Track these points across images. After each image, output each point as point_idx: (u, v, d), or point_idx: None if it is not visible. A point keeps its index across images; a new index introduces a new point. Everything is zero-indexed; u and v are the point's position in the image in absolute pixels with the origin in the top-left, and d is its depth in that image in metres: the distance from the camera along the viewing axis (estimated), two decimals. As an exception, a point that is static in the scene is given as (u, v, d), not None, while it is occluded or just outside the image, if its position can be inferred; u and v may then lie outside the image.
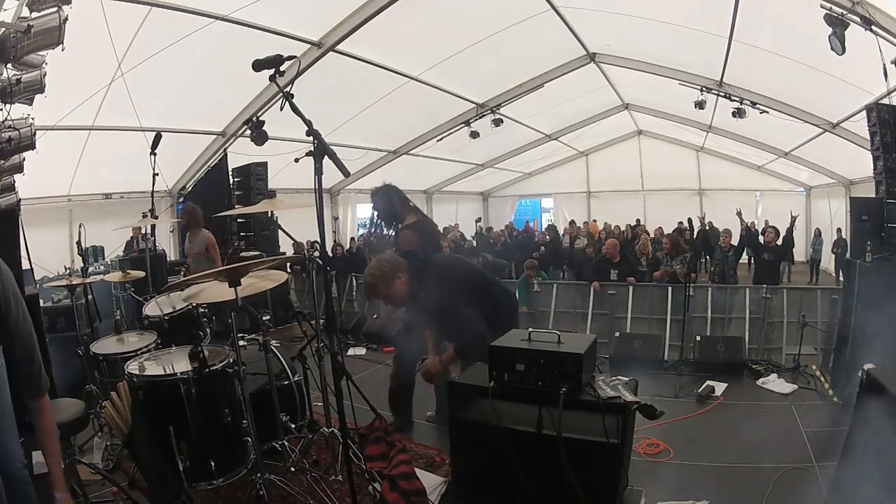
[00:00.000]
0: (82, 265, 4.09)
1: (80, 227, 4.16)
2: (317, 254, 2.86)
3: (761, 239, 6.80)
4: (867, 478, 2.00)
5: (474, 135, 9.80)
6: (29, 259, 3.75)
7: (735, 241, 7.22)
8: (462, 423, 2.42)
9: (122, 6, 4.63)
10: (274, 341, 2.89)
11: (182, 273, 5.96)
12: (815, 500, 2.77)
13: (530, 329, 2.44)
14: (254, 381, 3.00)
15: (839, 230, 10.51)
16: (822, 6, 4.74)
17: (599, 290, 6.42)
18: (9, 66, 3.70)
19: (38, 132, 4.15)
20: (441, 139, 10.37)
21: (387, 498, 2.55)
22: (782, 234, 6.60)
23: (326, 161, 1.99)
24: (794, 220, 6.66)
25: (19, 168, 4.30)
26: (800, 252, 10.76)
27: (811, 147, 9.66)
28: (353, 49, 6.51)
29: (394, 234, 3.83)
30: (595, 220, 14.50)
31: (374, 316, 3.90)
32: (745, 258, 9.02)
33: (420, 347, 3.30)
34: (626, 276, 6.56)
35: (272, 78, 2.02)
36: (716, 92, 8.11)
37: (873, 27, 4.61)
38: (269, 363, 2.79)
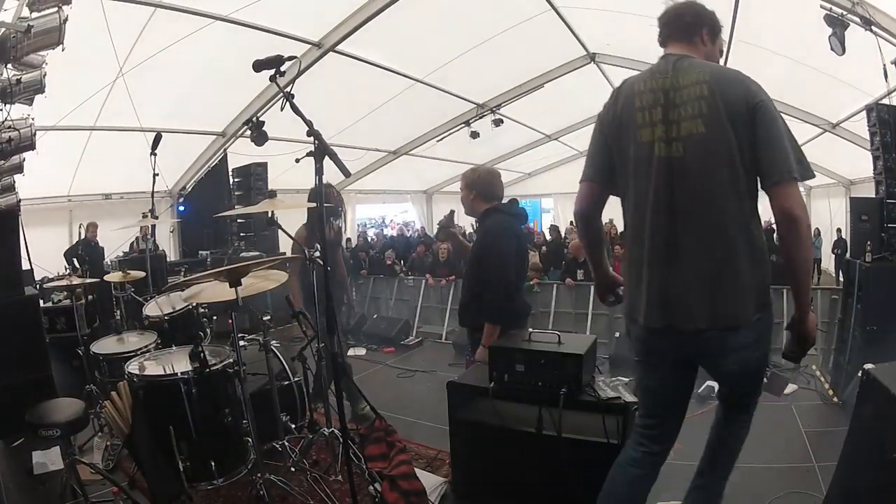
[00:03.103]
0: (82, 265, 4.09)
1: (79, 227, 4.16)
2: (317, 254, 2.84)
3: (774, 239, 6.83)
4: (866, 478, 1.99)
5: (474, 135, 9.79)
6: (29, 259, 3.76)
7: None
8: (462, 423, 2.42)
9: (123, 6, 4.63)
10: (274, 341, 2.89)
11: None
12: (815, 500, 2.77)
13: (531, 329, 2.45)
14: (254, 381, 3.00)
15: (839, 230, 10.49)
16: (821, 7, 4.74)
17: (573, 286, 6.70)
18: (9, 66, 3.69)
19: (38, 132, 4.15)
20: (441, 139, 10.37)
21: (387, 498, 2.54)
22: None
23: (327, 161, 1.99)
24: None
25: (19, 168, 4.29)
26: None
27: (811, 147, 9.61)
28: (353, 50, 6.51)
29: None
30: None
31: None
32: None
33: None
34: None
35: (272, 78, 2.02)
36: (716, 92, 8.09)
37: (873, 27, 4.62)
38: (269, 363, 2.79)
